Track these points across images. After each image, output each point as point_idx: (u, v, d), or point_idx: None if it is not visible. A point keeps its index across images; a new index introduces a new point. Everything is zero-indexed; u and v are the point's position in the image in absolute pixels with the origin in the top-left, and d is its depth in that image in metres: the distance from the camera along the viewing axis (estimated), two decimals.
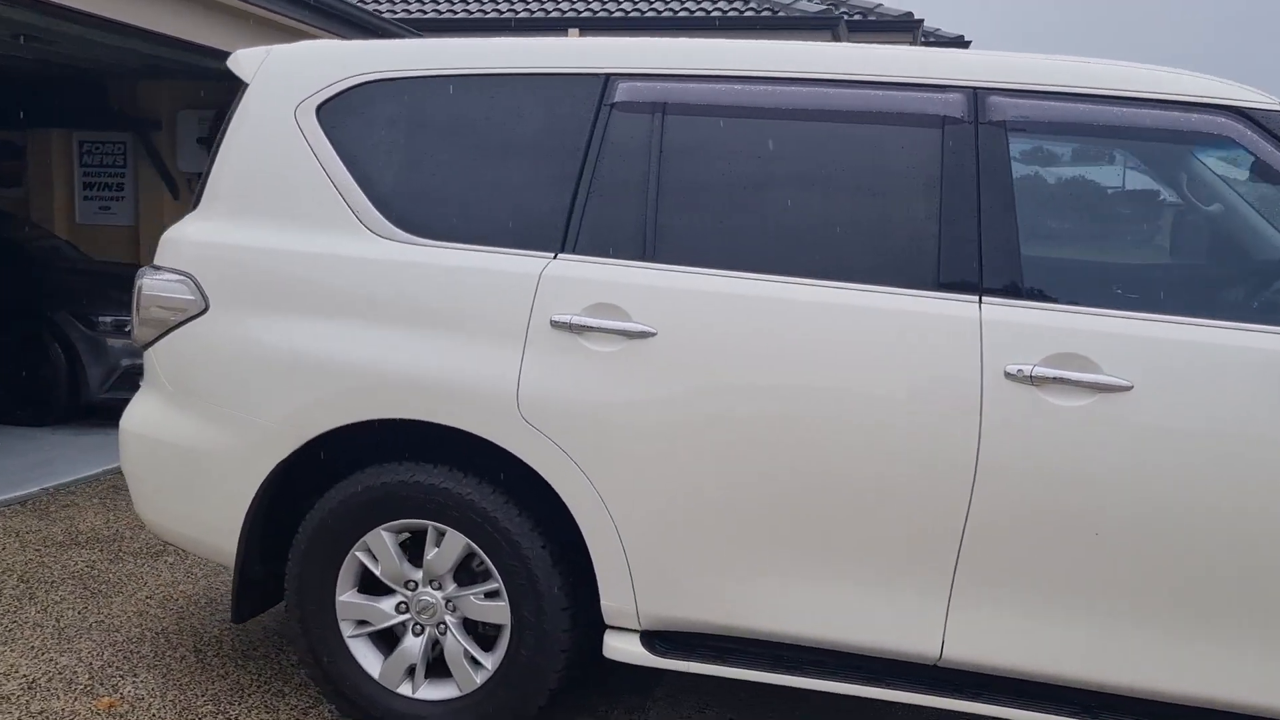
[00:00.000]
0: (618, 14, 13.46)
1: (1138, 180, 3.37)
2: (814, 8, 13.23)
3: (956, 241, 2.53)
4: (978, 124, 2.56)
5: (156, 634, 3.57)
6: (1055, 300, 2.51)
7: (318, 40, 3.25)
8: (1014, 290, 2.50)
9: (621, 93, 2.76)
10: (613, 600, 2.72)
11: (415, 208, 2.85)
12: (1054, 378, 2.41)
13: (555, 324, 2.67)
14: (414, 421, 2.76)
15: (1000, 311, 2.48)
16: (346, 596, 2.92)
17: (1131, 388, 2.38)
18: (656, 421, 2.61)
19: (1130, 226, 3.55)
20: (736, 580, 2.64)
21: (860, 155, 2.65)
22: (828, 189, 2.66)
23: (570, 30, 12.10)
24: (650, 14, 13.36)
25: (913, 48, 2.77)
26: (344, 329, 2.80)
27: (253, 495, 2.89)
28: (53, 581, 4.01)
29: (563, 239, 2.73)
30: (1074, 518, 2.42)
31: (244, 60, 3.10)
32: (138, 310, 3.04)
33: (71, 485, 5.37)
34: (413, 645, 2.90)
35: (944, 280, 2.53)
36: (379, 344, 2.77)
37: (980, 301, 2.50)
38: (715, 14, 13.19)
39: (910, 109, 2.60)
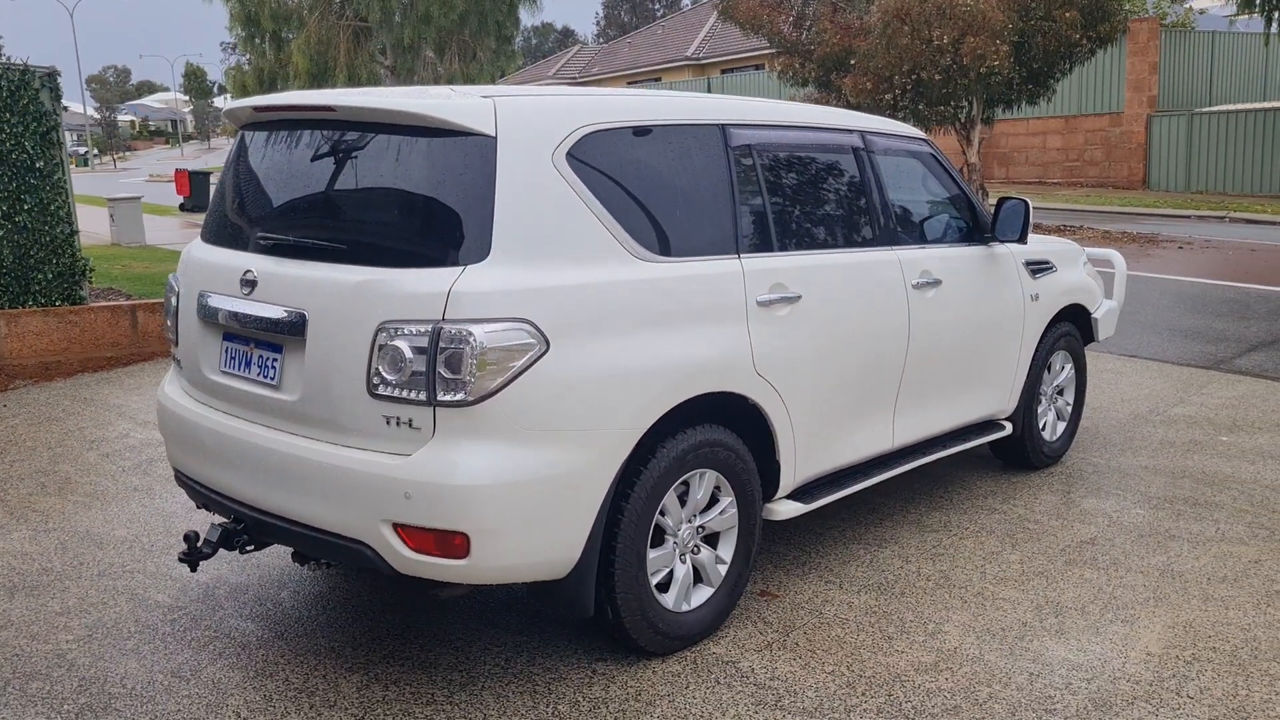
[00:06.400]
0: None
1: None
2: None
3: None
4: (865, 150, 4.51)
5: None
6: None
7: (534, 94, 3.35)
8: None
9: (733, 138, 3.89)
10: (788, 478, 4.04)
11: (651, 231, 3.53)
12: (917, 284, 4.59)
13: (759, 303, 3.81)
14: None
15: (907, 252, 4.55)
16: (651, 554, 3.56)
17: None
18: (812, 349, 4.00)
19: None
20: (834, 437, 4.23)
21: (835, 169, 4.36)
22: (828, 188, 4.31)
23: None
24: None
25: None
26: (648, 338, 3.41)
27: (602, 497, 3.32)
28: None
29: (735, 244, 3.81)
30: (927, 356, 4.69)
31: (466, 114, 3.17)
32: (473, 364, 3.01)
33: None
34: (681, 571, 3.72)
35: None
36: (675, 345, 3.48)
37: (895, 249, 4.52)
38: None
39: (839, 142, 4.41)
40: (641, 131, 3.61)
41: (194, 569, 3.53)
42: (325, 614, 4.04)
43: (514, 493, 3.14)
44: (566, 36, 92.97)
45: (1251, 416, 6.79)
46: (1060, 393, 5.87)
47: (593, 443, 3.28)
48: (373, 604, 4.11)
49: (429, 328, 3.06)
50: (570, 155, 3.35)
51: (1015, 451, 5.63)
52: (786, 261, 3.98)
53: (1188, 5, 29.18)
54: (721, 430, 3.73)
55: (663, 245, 3.57)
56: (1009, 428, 5.38)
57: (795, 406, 3.96)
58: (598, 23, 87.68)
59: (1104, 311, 6.02)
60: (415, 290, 3.10)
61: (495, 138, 3.20)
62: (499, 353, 3.08)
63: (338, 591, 4.23)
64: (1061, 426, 5.89)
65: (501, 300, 3.11)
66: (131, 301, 9.18)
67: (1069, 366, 5.88)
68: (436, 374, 3.05)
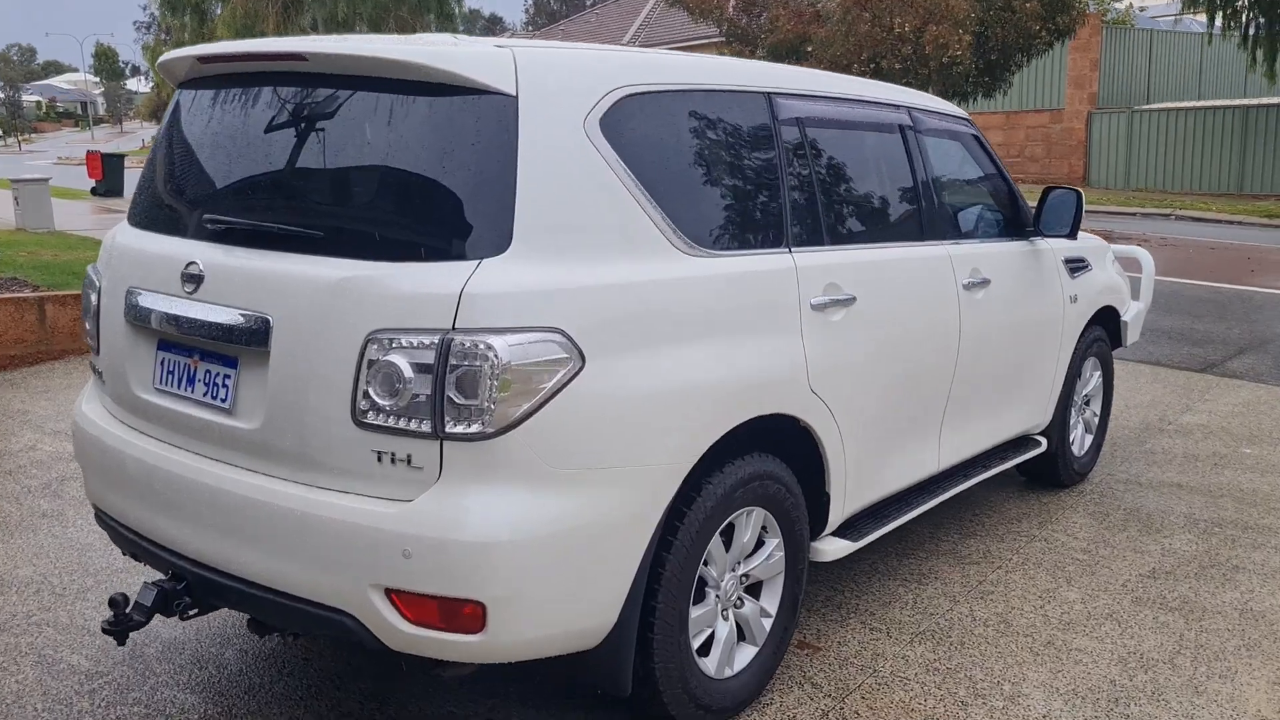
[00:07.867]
0: None
1: None
2: None
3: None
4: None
5: None
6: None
7: (562, 49, 2.65)
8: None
9: (780, 110, 3.25)
10: (836, 511, 3.42)
11: (696, 219, 2.88)
12: (968, 284, 4.01)
13: (813, 306, 3.18)
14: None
15: (957, 247, 3.96)
16: (694, 613, 2.92)
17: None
18: (866, 360, 3.39)
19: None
20: (883, 462, 3.62)
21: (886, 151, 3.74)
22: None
23: None
24: None
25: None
26: (696, 351, 2.77)
27: (645, 546, 2.67)
28: None
29: (786, 236, 3.18)
30: (977, 366, 4.11)
31: (480, 67, 2.49)
32: (493, 385, 2.33)
33: None
34: (724, 630, 3.08)
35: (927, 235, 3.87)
36: (726, 358, 2.84)
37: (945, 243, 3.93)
38: None
39: (886, 119, 3.80)
40: (684, 97, 2.95)
41: (122, 642, 2.79)
42: (282, 680, 3.32)
43: (542, 548, 2.46)
44: (494, 24, 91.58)
45: (1266, 427, 6.37)
46: (1088, 403, 5.36)
47: (635, 481, 2.62)
48: (337, 666, 3.40)
49: (436, 339, 2.37)
50: (604, 123, 2.68)
51: (1045, 468, 5.09)
52: (839, 257, 3.36)
53: (1128, 3, 29.31)
54: (771, 460, 3.10)
55: (709, 236, 2.92)
56: (1044, 443, 4.83)
57: (848, 428, 3.34)
58: (526, 10, 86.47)
59: (1132, 314, 5.53)
60: (417, 291, 2.41)
61: (516, 97, 2.51)
62: (525, 371, 2.40)
63: (294, 649, 3.51)
64: (1089, 440, 5.37)
65: (527, 304, 2.43)
66: (39, 293, 8.24)
67: (1097, 374, 5.37)
68: (445, 398, 2.37)
